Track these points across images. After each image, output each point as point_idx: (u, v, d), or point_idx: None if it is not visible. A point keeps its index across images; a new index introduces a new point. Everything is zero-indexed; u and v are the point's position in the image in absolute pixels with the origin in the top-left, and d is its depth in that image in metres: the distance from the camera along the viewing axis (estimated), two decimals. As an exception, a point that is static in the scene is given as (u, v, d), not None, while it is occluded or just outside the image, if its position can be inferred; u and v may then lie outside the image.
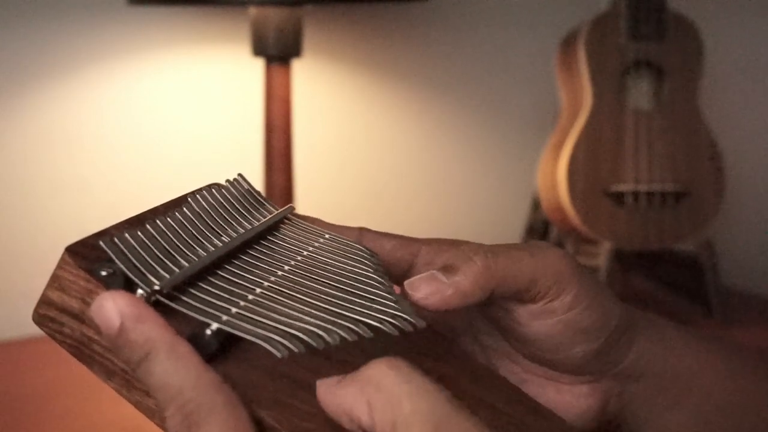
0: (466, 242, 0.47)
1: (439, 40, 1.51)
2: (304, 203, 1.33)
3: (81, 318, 0.40)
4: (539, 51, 1.54)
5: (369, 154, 1.48)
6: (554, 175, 1.35)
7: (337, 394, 0.37)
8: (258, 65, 1.26)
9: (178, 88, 1.34)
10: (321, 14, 1.40)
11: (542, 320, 0.45)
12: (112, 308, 0.37)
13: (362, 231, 0.49)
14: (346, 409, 0.36)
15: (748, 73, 1.67)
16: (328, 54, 1.42)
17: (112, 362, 0.40)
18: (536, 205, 1.46)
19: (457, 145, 1.55)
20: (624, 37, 1.34)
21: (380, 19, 1.46)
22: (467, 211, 1.58)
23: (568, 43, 1.38)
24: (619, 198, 1.33)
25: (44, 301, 0.41)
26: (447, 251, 0.46)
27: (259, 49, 1.16)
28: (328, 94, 1.43)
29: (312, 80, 1.41)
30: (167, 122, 1.33)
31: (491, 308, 0.47)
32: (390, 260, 0.47)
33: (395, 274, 0.47)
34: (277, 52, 1.15)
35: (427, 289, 0.43)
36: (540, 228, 1.46)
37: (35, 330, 0.42)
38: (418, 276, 0.44)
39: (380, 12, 1.45)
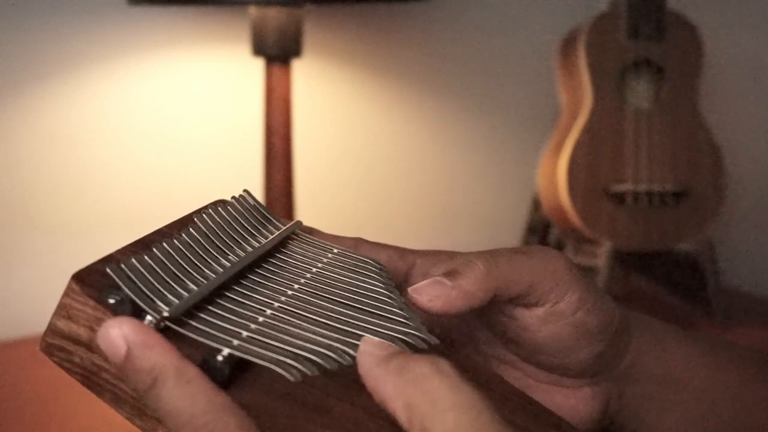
0: (462, 253, 0.47)
1: (439, 40, 1.51)
2: (304, 203, 1.32)
3: (89, 346, 0.39)
4: (539, 51, 1.54)
5: (369, 154, 1.48)
6: (554, 175, 1.35)
7: (378, 380, 0.35)
8: (258, 65, 1.26)
9: (178, 88, 1.34)
10: (321, 14, 1.40)
11: (551, 324, 0.46)
12: (118, 335, 0.36)
13: (358, 241, 0.49)
14: (383, 398, 0.35)
15: (748, 73, 1.67)
16: (328, 54, 1.42)
17: (122, 390, 0.39)
18: (536, 205, 1.46)
19: (457, 145, 1.55)
20: (624, 37, 1.34)
21: (380, 19, 1.46)
22: (467, 211, 1.58)
23: (568, 43, 1.38)
24: (619, 198, 1.33)
25: (52, 330, 0.40)
26: (444, 261, 0.46)
27: (259, 49, 1.16)
28: (328, 94, 1.43)
29: (312, 80, 1.41)
30: (167, 122, 1.33)
31: (496, 317, 0.47)
32: None
33: None
34: (277, 52, 1.15)
35: (432, 292, 0.43)
36: (540, 228, 1.46)
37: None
38: (423, 282, 0.44)
39: (380, 12, 1.45)
